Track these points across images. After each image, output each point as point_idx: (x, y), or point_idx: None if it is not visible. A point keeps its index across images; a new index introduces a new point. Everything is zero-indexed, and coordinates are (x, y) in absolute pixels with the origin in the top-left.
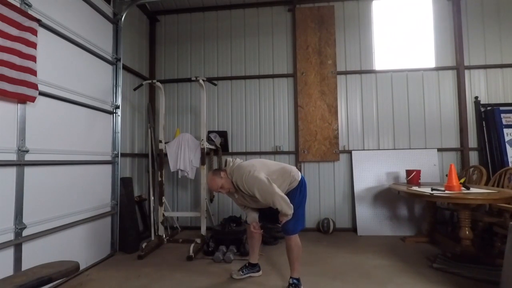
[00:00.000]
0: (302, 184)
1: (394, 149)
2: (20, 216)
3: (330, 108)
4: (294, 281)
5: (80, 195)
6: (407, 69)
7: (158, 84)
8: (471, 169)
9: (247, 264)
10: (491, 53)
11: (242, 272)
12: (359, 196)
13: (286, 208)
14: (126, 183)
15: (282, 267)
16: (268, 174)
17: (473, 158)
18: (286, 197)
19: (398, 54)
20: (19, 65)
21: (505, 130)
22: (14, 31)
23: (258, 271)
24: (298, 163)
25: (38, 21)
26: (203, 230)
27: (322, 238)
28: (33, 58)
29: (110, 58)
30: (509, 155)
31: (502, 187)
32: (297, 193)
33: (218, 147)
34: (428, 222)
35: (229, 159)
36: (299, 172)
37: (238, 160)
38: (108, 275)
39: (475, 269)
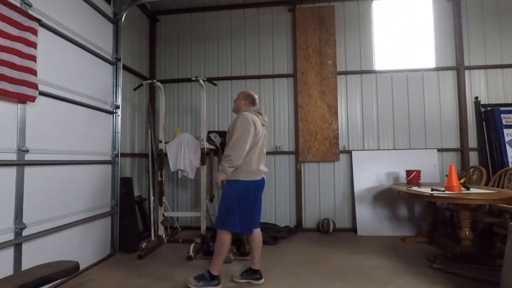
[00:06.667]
0: (254, 186)
1: (394, 149)
2: (20, 216)
3: (330, 108)
4: (207, 275)
5: (80, 195)
6: (407, 69)
7: (158, 84)
8: (471, 170)
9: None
10: (491, 54)
11: (242, 276)
12: (359, 196)
13: (224, 165)
14: (126, 183)
15: (282, 268)
16: (251, 145)
17: (473, 158)
18: (237, 162)
19: (398, 54)
20: (19, 65)
21: (505, 131)
22: (14, 31)
23: (259, 279)
24: (298, 163)
25: (38, 21)
26: (203, 230)
27: (322, 238)
28: (33, 58)
29: (110, 58)
30: (509, 156)
31: (502, 187)
32: (243, 190)
33: (218, 147)
34: (428, 223)
35: (263, 112)
36: (262, 176)
37: (257, 116)
38: (108, 275)
39: (475, 270)
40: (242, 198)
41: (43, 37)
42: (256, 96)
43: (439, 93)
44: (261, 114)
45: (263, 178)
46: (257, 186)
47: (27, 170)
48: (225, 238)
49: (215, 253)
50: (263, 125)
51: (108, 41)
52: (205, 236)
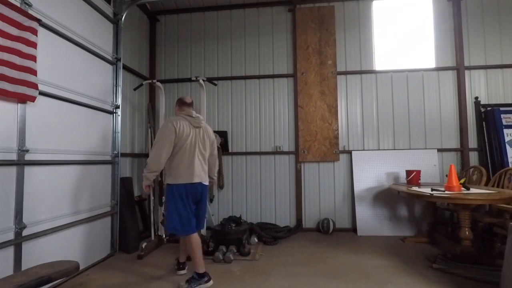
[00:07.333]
0: (185, 189)
1: (394, 149)
2: (20, 215)
3: (330, 108)
4: (195, 275)
5: (80, 195)
6: (407, 69)
7: (158, 84)
8: (471, 170)
9: (194, 275)
10: (491, 54)
11: (189, 284)
12: (359, 196)
13: (144, 171)
14: (126, 183)
15: (282, 267)
16: (178, 148)
17: (473, 158)
18: (154, 167)
19: (398, 55)
20: (19, 65)
21: (505, 131)
22: (14, 31)
23: (208, 281)
24: (298, 163)
25: (38, 20)
26: (203, 230)
27: (322, 238)
28: (33, 58)
29: (110, 58)
30: (509, 156)
31: (502, 187)
32: (172, 193)
33: (218, 147)
34: (428, 223)
35: (194, 113)
36: (188, 176)
37: (185, 120)
38: (108, 275)
39: (475, 270)
40: (175, 201)
41: (43, 37)
42: (187, 99)
43: (439, 93)
44: (191, 116)
45: (200, 182)
46: (189, 190)
47: (27, 170)
48: (190, 240)
49: (190, 254)
50: (196, 127)
51: (108, 41)
52: (205, 236)
